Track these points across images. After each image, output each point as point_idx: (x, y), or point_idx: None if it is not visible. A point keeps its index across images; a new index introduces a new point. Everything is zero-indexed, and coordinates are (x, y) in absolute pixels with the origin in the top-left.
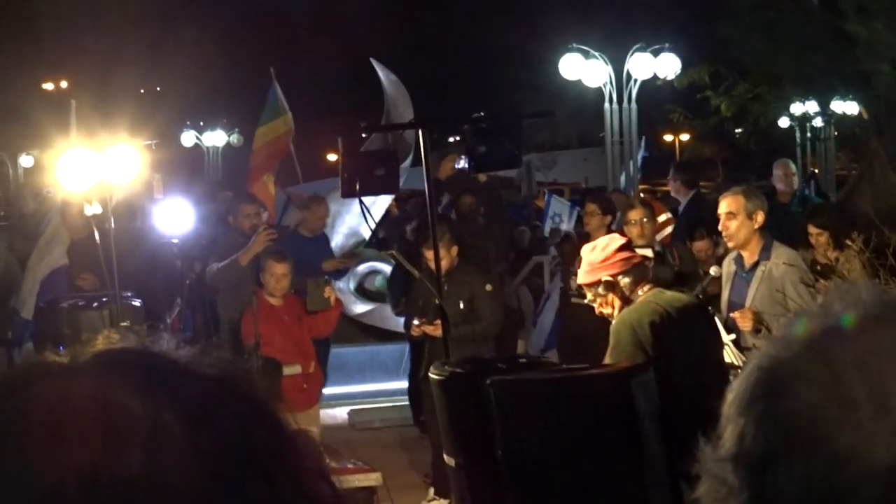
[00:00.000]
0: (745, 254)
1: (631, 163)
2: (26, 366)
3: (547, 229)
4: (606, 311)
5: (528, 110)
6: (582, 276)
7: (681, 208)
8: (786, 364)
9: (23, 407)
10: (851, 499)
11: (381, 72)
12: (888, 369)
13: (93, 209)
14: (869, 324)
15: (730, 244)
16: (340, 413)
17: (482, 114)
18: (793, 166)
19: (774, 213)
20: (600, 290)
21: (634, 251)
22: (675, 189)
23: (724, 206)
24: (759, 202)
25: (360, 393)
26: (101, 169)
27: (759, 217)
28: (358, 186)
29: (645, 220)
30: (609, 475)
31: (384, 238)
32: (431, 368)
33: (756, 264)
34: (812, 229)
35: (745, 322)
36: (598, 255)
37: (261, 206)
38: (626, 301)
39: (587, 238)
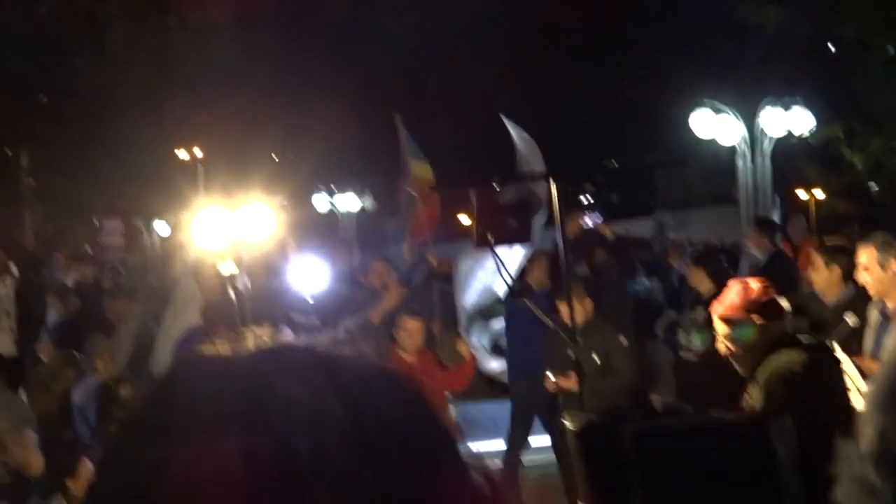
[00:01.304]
0: (889, 303)
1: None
2: (188, 357)
3: None
4: (733, 356)
5: (660, 160)
6: (726, 311)
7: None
8: None
9: (186, 397)
10: None
11: (513, 129)
12: None
13: (227, 267)
14: None
15: (871, 294)
16: None
17: (615, 163)
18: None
19: None
20: (744, 331)
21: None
22: (756, 244)
23: (860, 258)
24: (893, 251)
25: (495, 451)
26: (235, 228)
27: (893, 265)
28: (491, 237)
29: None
30: None
31: (519, 289)
32: (566, 417)
33: None
34: None
35: (869, 371)
36: (754, 296)
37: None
38: (760, 350)
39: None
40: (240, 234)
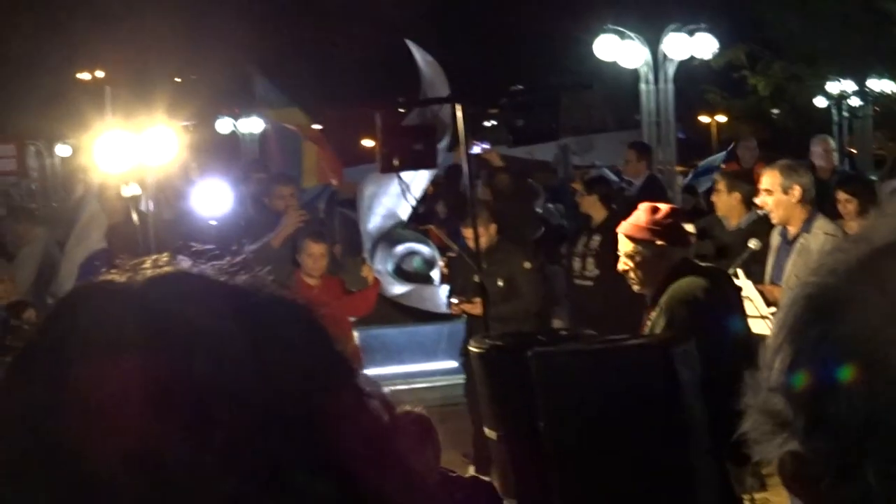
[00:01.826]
0: (789, 227)
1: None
2: (86, 285)
3: None
4: (633, 276)
5: (564, 82)
6: (632, 229)
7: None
8: (835, 289)
9: (84, 321)
10: None
11: (417, 53)
12: None
13: (130, 190)
14: None
15: (772, 220)
16: None
17: (520, 87)
18: (832, 142)
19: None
20: (646, 252)
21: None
22: (633, 169)
23: (762, 182)
24: (797, 177)
25: (398, 374)
26: (139, 151)
27: (797, 191)
28: (396, 162)
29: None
30: (652, 446)
31: (423, 214)
32: (471, 342)
33: (797, 237)
34: (841, 195)
35: (771, 296)
36: (660, 218)
37: (296, 186)
38: (661, 274)
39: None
40: (143, 157)
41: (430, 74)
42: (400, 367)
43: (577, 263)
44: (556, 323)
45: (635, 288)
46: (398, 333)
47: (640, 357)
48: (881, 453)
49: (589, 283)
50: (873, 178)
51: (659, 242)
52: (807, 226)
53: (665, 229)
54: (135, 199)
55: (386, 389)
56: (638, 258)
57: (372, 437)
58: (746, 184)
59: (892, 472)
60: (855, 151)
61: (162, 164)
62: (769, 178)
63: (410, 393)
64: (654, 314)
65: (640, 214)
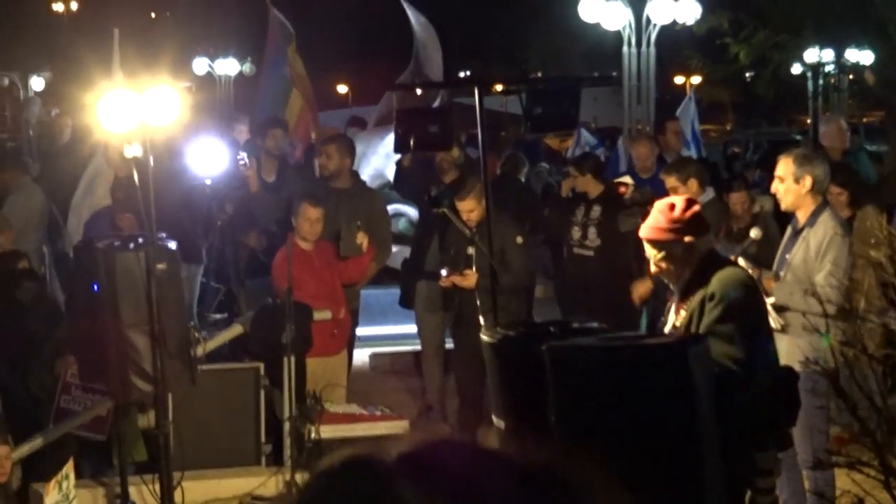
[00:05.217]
0: (798, 217)
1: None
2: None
3: None
4: (667, 275)
5: (589, 75)
6: (655, 233)
7: None
8: None
9: None
10: None
11: (411, 13)
12: None
13: (133, 150)
14: None
15: (781, 206)
16: (361, 356)
17: (540, 75)
18: (844, 123)
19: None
20: (676, 251)
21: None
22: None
23: (777, 169)
24: (810, 167)
25: (382, 336)
26: (143, 111)
27: (808, 181)
28: (412, 142)
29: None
30: (663, 445)
31: (436, 196)
32: (483, 331)
33: (803, 228)
34: (833, 188)
35: (768, 286)
36: (680, 215)
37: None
38: (693, 265)
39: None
40: (147, 117)
41: (423, 36)
42: (384, 327)
43: (576, 232)
44: (539, 292)
45: (671, 284)
46: (382, 294)
47: (654, 356)
48: None
49: (590, 252)
50: None
51: (687, 239)
52: (812, 219)
53: (688, 224)
54: (137, 160)
55: (371, 350)
56: (669, 259)
57: None
58: (692, 165)
59: None
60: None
61: (165, 124)
62: (783, 166)
63: (392, 355)
64: (686, 306)
65: (659, 216)
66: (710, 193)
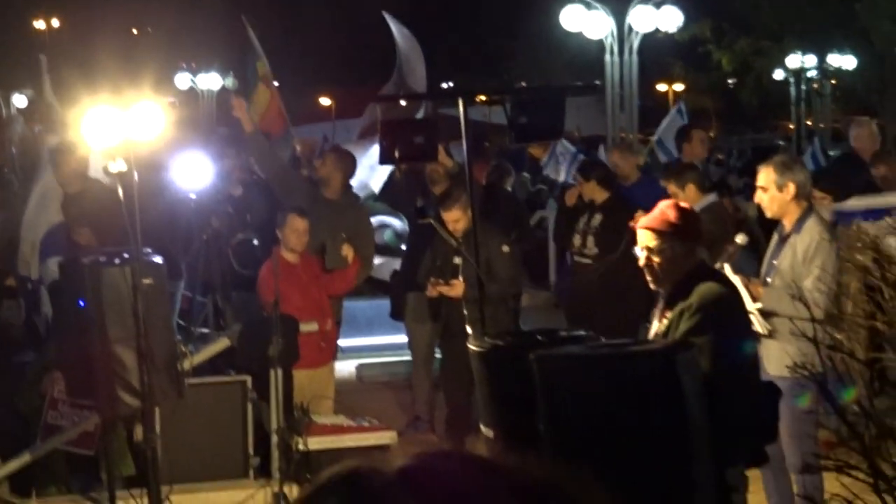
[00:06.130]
0: (784, 223)
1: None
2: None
3: (564, 175)
4: (653, 271)
5: (573, 84)
6: (661, 224)
7: None
8: None
9: None
10: None
11: (394, 26)
12: None
13: (117, 166)
14: None
15: (767, 215)
16: (348, 367)
17: (524, 85)
18: (874, 126)
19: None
20: (673, 248)
21: None
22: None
23: (759, 179)
24: (791, 174)
25: (369, 346)
26: (126, 127)
27: (791, 188)
28: (397, 153)
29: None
30: (653, 452)
31: (422, 207)
32: (471, 340)
33: (790, 234)
34: (816, 193)
35: (756, 292)
36: (689, 217)
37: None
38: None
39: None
40: (130, 133)
41: (407, 48)
42: (370, 339)
43: (577, 240)
44: (525, 299)
45: (651, 284)
46: (368, 306)
47: (642, 363)
48: None
49: (588, 261)
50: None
51: (689, 242)
52: (798, 225)
53: (693, 228)
54: (122, 175)
55: (358, 361)
56: (664, 254)
57: None
58: (691, 171)
59: None
60: (810, 124)
61: (148, 139)
62: (764, 175)
63: (380, 366)
64: (669, 314)
65: (668, 210)
66: (710, 198)
